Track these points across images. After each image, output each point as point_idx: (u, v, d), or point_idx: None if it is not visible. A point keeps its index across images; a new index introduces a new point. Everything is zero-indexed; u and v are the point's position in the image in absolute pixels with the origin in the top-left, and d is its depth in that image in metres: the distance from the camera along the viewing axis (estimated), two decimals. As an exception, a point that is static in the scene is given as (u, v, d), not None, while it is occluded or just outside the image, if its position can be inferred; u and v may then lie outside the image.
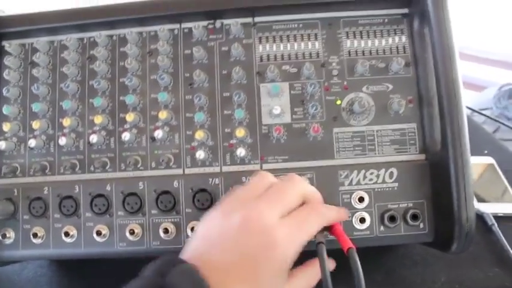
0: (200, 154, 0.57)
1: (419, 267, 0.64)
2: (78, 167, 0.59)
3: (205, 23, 0.60)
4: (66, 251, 0.57)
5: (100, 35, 0.60)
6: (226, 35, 0.60)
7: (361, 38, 0.60)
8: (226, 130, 0.58)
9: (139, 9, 0.59)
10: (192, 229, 0.56)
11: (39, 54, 0.60)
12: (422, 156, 0.57)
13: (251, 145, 0.58)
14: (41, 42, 0.60)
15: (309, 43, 0.60)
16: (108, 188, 0.57)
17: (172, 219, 0.57)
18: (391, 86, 0.59)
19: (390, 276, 0.63)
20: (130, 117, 0.58)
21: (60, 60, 0.61)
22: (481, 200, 0.73)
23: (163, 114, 0.58)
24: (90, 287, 0.65)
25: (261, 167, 0.58)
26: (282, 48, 0.60)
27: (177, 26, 0.61)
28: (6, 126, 0.59)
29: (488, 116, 0.96)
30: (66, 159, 0.59)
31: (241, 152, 0.57)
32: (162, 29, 0.59)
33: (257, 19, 0.60)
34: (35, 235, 0.57)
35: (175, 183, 0.57)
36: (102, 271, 0.66)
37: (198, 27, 0.59)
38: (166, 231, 0.56)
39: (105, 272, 0.65)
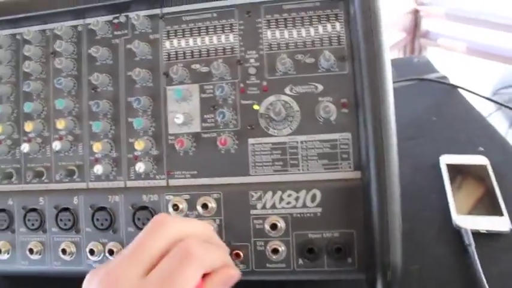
0: (99, 168, 0.51)
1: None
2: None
3: (109, 17, 0.53)
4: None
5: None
6: (131, 31, 0.52)
7: (285, 27, 0.49)
8: (130, 140, 0.51)
9: (38, 4, 0.53)
10: (91, 251, 0.51)
11: None
12: (357, 174, 0.47)
13: (156, 158, 0.51)
14: None
15: (223, 36, 0.50)
16: (10, 202, 0.54)
17: (72, 239, 0.52)
18: (320, 87, 0.48)
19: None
20: (29, 126, 0.53)
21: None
22: (462, 211, 0.60)
23: (61, 123, 0.52)
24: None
25: (167, 183, 0.50)
26: (191, 43, 0.51)
27: (80, 22, 0.54)
28: None
29: (500, 104, 0.77)
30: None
31: (141, 166, 0.49)
32: (60, 27, 0.52)
33: (165, 10, 0.51)
34: None
35: (75, 200, 0.52)
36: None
37: (97, 23, 0.51)
38: (64, 251, 0.51)
39: None
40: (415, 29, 1.98)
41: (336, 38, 0.48)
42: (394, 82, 0.45)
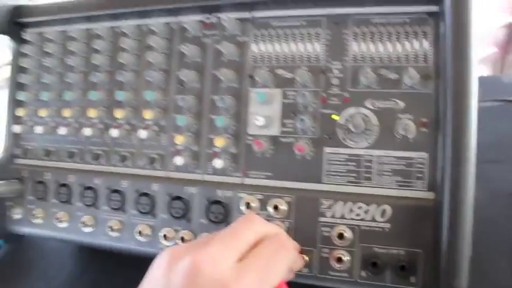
0: (179, 160, 0.54)
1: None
2: (74, 156, 0.61)
3: (201, 17, 0.55)
4: (58, 234, 0.61)
5: (101, 27, 0.59)
6: (221, 32, 0.54)
7: (372, 40, 0.49)
8: (210, 136, 0.54)
9: (137, 1, 0.57)
10: (165, 236, 0.54)
11: (52, 44, 0.62)
12: (431, 195, 0.46)
13: (234, 156, 0.53)
14: (53, 32, 0.62)
15: (309, 44, 0.51)
16: (97, 181, 0.58)
17: (148, 222, 0.56)
18: (402, 104, 0.48)
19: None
20: (119, 113, 0.57)
21: (67, 51, 0.61)
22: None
23: (148, 114, 0.56)
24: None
25: (242, 181, 0.52)
26: (278, 48, 0.52)
27: (174, 19, 0.57)
28: (21, 112, 0.64)
29: None
30: (65, 148, 0.61)
31: (219, 162, 0.52)
32: (157, 23, 0.56)
33: (255, 14, 0.53)
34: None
35: (155, 187, 0.55)
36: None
37: (190, 21, 0.54)
38: (140, 233, 0.55)
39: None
40: (507, 44, 1.84)
41: (423, 56, 0.47)
42: (480, 101, 0.44)
